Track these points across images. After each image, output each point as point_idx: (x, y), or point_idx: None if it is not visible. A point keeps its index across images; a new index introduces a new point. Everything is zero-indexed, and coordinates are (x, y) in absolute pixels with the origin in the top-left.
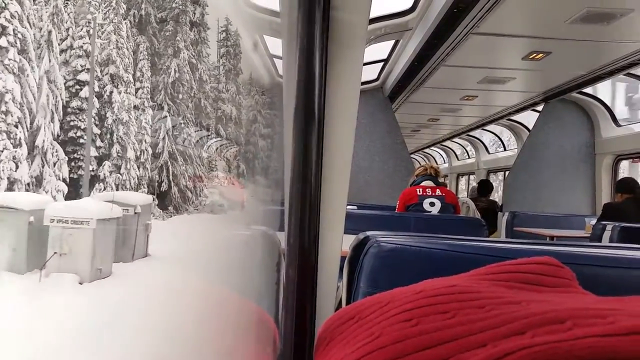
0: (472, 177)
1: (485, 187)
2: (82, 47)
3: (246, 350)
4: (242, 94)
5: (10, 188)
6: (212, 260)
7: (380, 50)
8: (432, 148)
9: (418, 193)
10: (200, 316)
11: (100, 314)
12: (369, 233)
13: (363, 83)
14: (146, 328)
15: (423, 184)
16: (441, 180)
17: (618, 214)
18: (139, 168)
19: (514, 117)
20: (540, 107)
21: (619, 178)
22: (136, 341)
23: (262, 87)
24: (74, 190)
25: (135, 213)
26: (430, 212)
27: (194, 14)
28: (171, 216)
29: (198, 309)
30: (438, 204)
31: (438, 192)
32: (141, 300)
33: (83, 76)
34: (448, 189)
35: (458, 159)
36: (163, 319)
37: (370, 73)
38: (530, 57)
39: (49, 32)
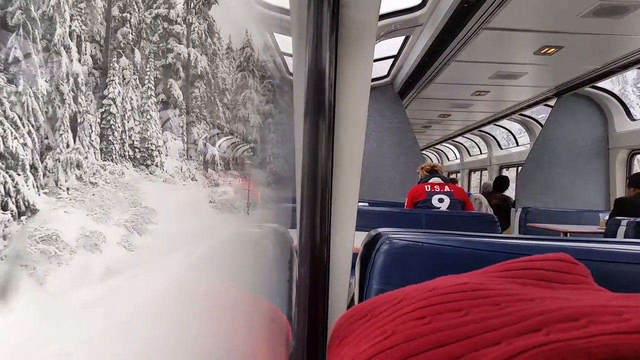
0: (484, 172)
1: (501, 183)
2: None
3: (259, 347)
4: (214, 35)
5: None
6: (225, 258)
7: (390, 46)
8: (444, 144)
9: (426, 190)
10: (213, 313)
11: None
12: (380, 230)
13: (373, 80)
14: (159, 324)
15: (431, 180)
16: (452, 176)
17: (629, 208)
18: None
19: (526, 112)
20: (552, 102)
21: (633, 172)
22: (149, 337)
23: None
24: None
25: None
26: (439, 208)
27: None
28: None
29: (211, 306)
30: (447, 200)
31: (446, 188)
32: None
33: None
34: (458, 185)
35: (470, 155)
36: (176, 316)
37: (380, 69)
38: (542, 51)
39: None
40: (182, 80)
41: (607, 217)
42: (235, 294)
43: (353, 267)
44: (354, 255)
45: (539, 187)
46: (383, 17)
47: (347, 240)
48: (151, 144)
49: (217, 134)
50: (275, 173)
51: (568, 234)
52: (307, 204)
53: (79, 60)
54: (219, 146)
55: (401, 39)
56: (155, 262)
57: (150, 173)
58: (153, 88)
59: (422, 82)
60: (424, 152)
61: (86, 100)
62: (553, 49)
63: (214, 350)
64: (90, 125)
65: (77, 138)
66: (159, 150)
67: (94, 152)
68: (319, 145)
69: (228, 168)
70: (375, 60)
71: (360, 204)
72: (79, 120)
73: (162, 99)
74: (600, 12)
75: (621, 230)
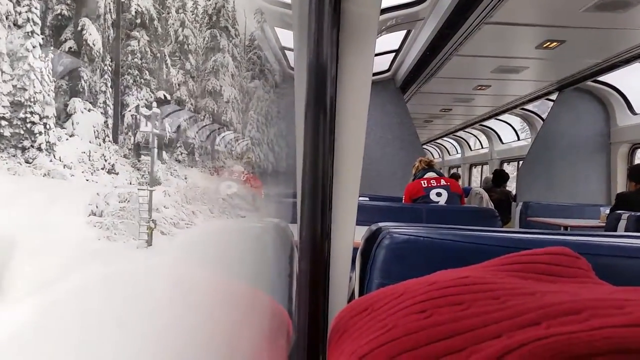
0: (485, 167)
1: (500, 177)
2: None
3: (259, 342)
4: None
5: None
6: (225, 252)
7: (391, 40)
8: (445, 139)
9: (423, 185)
10: (213, 308)
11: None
12: (381, 224)
13: (374, 74)
14: (157, 320)
15: (426, 175)
16: (454, 171)
17: (631, 203)
18: None
19: (528, 107)
20: (554, 97)
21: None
22: (147, 331)
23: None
24: None
25: None
26: (438, 202)
27: None
28: None
29: (211, 301)
30: (445, 193)
31: (442, 182)
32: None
33: None
34: (459, 182)
35: (471, 149)
36: (175, 311)
37: (381, 64)
38: (544, 46)
39: None
40: (109, 25)
41: (608, 211)
42: (235, 289)
43: (353, 261)
44: (355, 250)
45: (540, 181)
46: (384, 11)
47: (347, 234)
48: (31, 112)
49: (175, 111)
50: (257, 165)
51: (569, 228)
52: (307, 199)
53: None
54: (180, 127)
55: (402, 33)
56: None
57: (27, 162)
58: (36, 21)
59: (423, 76)
60: (425, 146)
61: None
62: (555, 43)
63: (213, 345)
64: None
65: None
66: (46, 125)
67: None
68: (320, 139)
69: (192, 156)
70: (376, 55)
71: (361, 198)
72: None
73: (70, 48)
74: (603, 6)
75: (622, 224)
